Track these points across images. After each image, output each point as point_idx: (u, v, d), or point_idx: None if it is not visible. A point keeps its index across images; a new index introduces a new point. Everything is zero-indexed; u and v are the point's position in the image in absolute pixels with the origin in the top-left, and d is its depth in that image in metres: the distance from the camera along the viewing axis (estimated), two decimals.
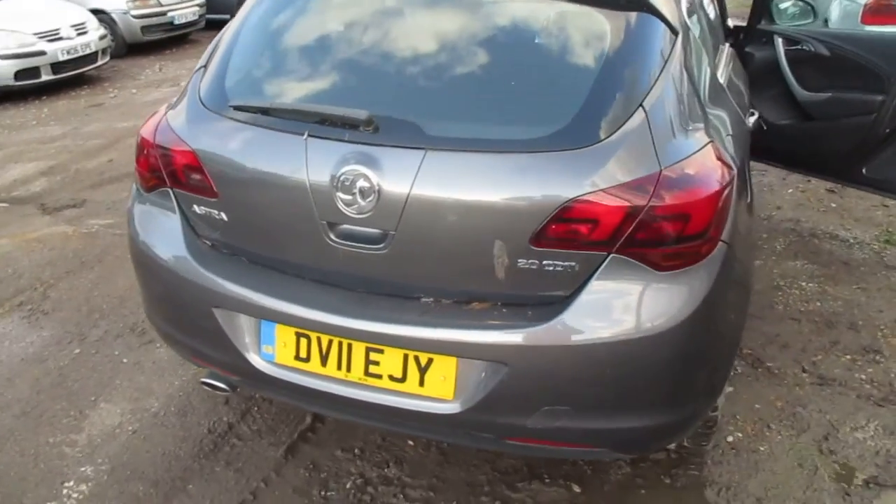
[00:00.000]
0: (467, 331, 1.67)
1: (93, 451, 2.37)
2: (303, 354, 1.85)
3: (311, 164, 1.71)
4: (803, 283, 3.27)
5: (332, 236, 1.74)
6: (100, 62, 8.33)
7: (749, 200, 1.98)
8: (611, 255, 1.61)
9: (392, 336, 1.72)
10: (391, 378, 1.78)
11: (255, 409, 2.53)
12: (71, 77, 8.00)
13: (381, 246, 1.71)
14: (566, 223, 1.59)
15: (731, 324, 1.84)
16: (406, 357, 1.76)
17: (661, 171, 1.59)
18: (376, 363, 1.79)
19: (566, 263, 1.62)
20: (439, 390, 1.75)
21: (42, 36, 7.70)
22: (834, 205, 4.13)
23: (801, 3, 3.76)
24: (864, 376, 2.62)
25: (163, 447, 2.38)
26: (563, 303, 1.64)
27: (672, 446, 2.18)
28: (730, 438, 2.34)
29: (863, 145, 3.40)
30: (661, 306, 1.62)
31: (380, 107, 1.72)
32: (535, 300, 1.68)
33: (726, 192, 1.68)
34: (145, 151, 2.00)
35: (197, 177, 1.88)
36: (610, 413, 1.72)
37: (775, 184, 4.45)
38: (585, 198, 1.57)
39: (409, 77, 1.77)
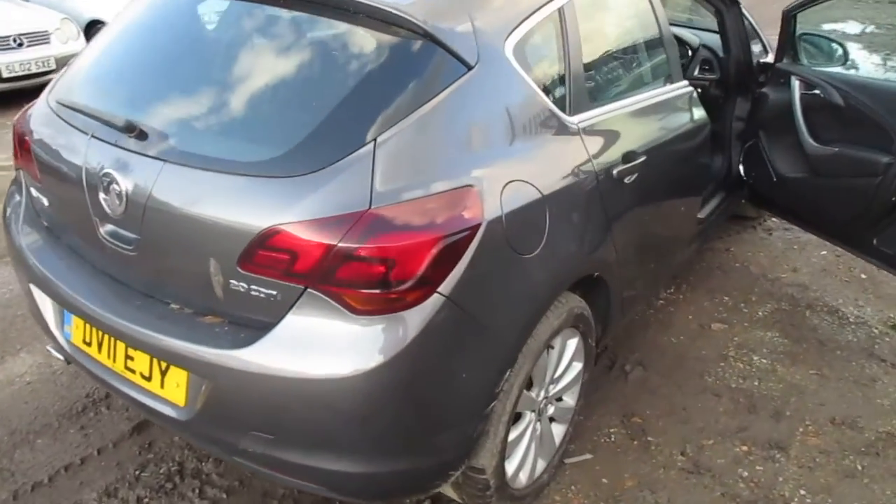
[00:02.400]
0: (184, 342, 1.69)
1: None
2: (87, 339, 1.97)
3: (87, 163, 1.82)
4: (756, 358, 2.89)
5: (102, 232, 1.84)
6: None
7: (534, 255, 1.79)
8: (307, 290, 1.57)
9: (134, 337, 1.78)
10: (142, 375, 1.85)
11: None
12: None
13: (131, 248, 1.78)
14: (266, 250, 1.57)
15: (451, 382, 1.69)
16: (151, 358, 1.82)
17: (367, 210, 1.52)
18: (132, 358, 1.87)
19: (268, 291, 1.60)
20: (174, 395, 1.79)
21: None
22: (864, 276, 3.59)
23: (832, 44, 3.30)
24: (746, 473, 2.28)
25: (40, 401, 2.62)
26: (264, 330, 1.62)
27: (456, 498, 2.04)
28: None
29: (868, 212, 2.95)
30: (349, 350, 1.54)
31: (151, 118, 1.80)
32: (250, 323, 1.67)
33: (452, 240, 1.57)
34: (15, 133, 2.22)
35: (31, 161, 2.07)
36: (311, 451, 1.67)
37: (812, 242, 3.93)
38: (283, 227, 1.54)
39: (176, 91, 1.84)
